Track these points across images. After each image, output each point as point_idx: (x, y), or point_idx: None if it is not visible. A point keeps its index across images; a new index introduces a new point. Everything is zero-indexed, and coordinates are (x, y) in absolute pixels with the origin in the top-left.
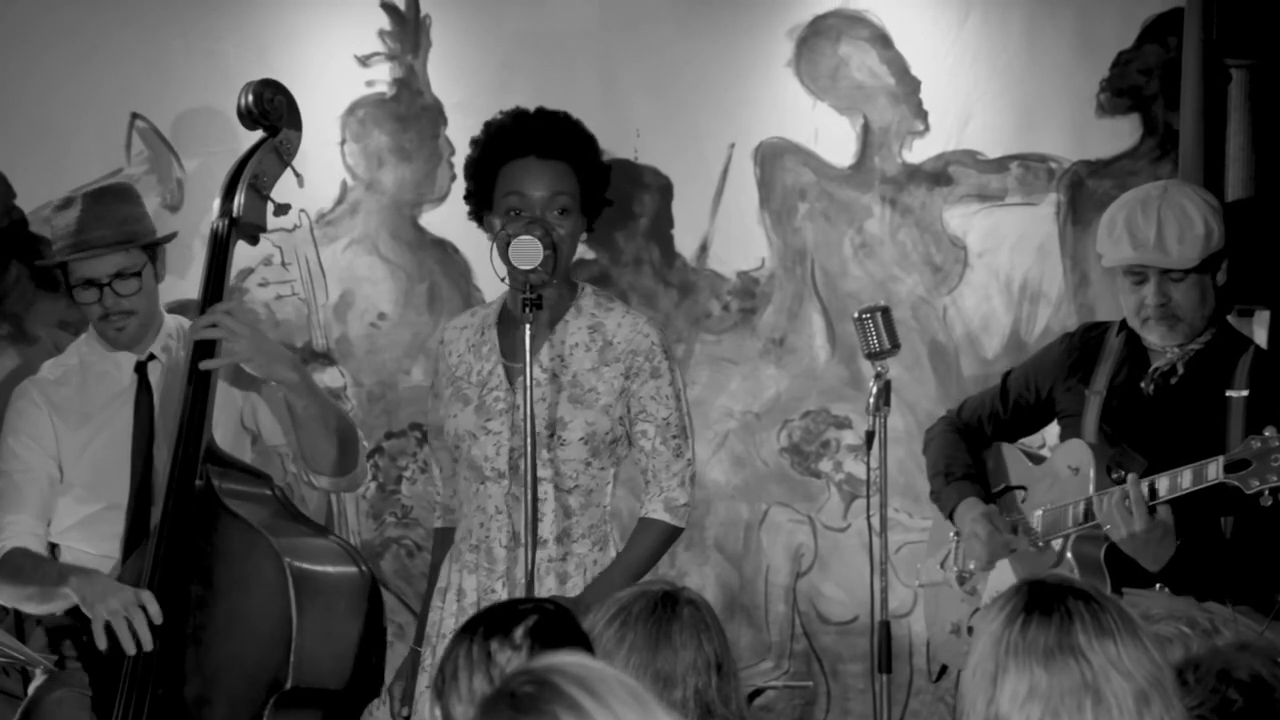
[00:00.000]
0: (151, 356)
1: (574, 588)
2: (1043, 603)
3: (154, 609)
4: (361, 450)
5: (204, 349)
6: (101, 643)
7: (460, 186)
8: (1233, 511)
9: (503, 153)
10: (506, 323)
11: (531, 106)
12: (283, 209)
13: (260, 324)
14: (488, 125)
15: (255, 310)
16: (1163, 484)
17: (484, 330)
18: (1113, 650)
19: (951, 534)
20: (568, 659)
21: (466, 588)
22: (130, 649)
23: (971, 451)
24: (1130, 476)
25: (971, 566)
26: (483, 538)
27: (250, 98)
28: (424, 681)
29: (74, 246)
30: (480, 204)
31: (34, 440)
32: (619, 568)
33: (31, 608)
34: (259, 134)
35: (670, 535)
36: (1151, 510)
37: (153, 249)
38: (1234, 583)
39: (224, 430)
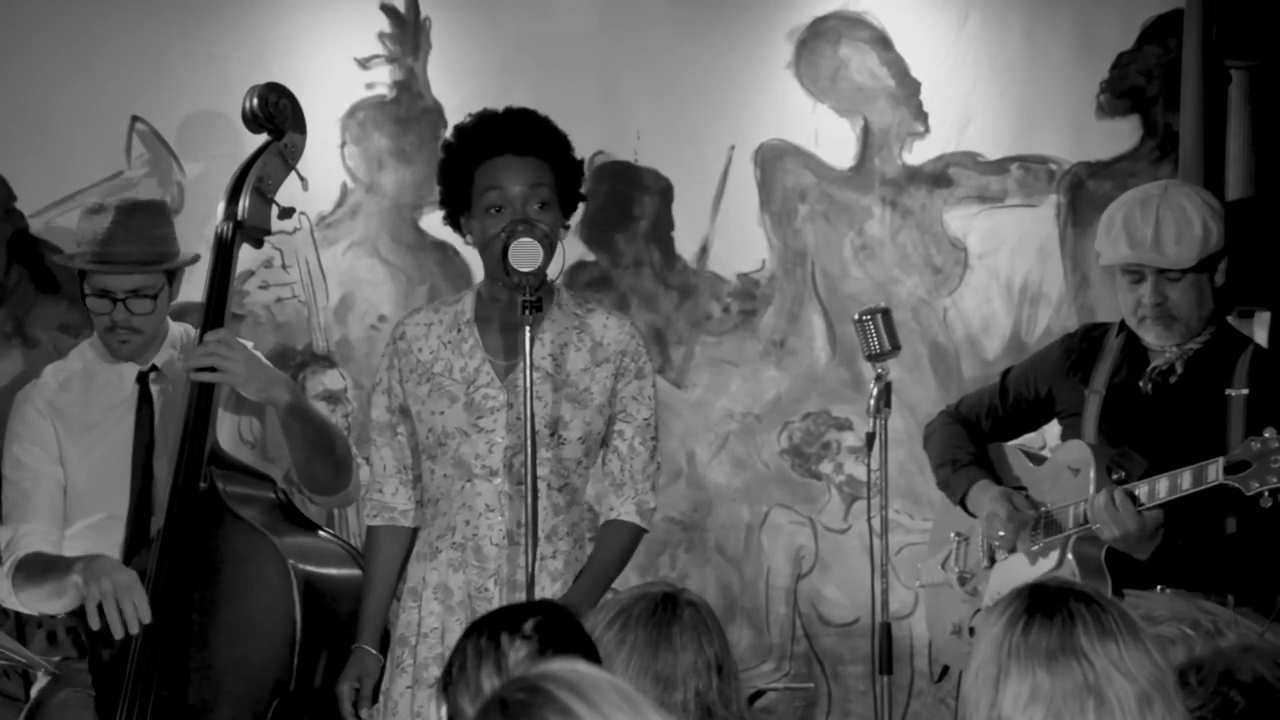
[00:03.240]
0: (154, 368)
1: (564, 586)
2: (1044, 605)
3: (142, 605)
4: (356, 469)
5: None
6: (94, 621)
7: None
8: (1233, 513)
9: (477, 153)
10: (485, 319)
11: (531, 109)
12: (287, 212)
13: (252, 355)
14: (457, 129)
15: (255, 313)
16: (1162, 486)
17: (459, 327)
18: (1115, 652)
19: (953, 535)
20: (561, 665)
21: (452, 585)
22: (118, 632)
23: (974, 441)
24: (1114, 491)
25: (996, 542)
26: (469, 535)
27: (255, 101)
28: (403, 682)
29: (97, 257)
30: (456, 206)
31: (38, 446)
32: (597, 570)
33: (54, 607)
34: (263, 137)
35: (640, 538)
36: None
37: (172, 271)
38: (1235, 581)
39: (226, 431)
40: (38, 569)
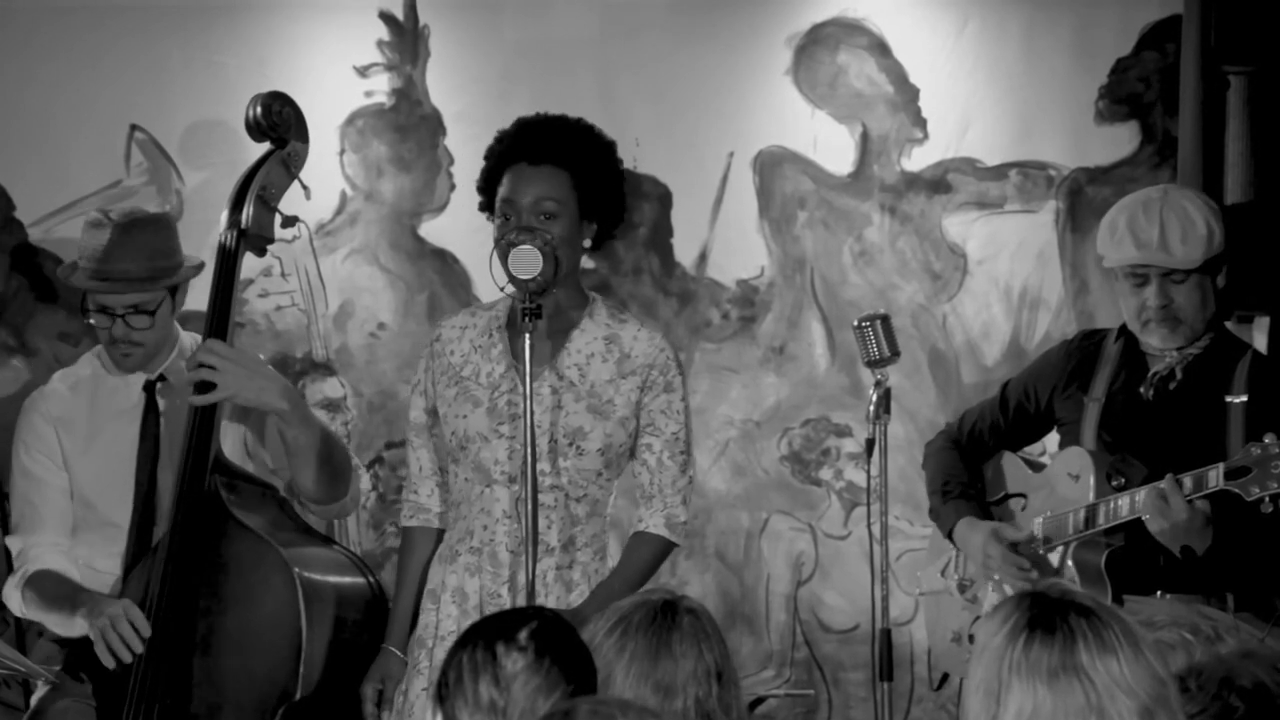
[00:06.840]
0: (162, 377)
1: (580, 596)
2: (1045, 620)
3: (140, 623)
4: (355, 478)
5: (200, 389)
6: (106, 660)
7: (459, 196)
8: (1234, 518)
9: (502, 162)
10: (515, 326)
11: (569, 116)
12: (290, 220)
13: (249, 360)
14: (496, 136)
15: (255, 322)
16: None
17: (491, 332)
18: (1116, 668)
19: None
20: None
21: (468, 590)
22: (125, 655)
23: (970, 466)
24: (1168, 479)
25: (992, 585)
26: (486, 540)
27: (258, 110)
28: (419, 684)
29: (96, 274)
30: (489, 212)
31: (43, 454)
32: (618, 581)
33: (61, 631)
34: (265, 146)
35: (667, 551)
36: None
37: (175, 284)
38: (1236, 587)
39: (230, 445)
40: (46, 595)
